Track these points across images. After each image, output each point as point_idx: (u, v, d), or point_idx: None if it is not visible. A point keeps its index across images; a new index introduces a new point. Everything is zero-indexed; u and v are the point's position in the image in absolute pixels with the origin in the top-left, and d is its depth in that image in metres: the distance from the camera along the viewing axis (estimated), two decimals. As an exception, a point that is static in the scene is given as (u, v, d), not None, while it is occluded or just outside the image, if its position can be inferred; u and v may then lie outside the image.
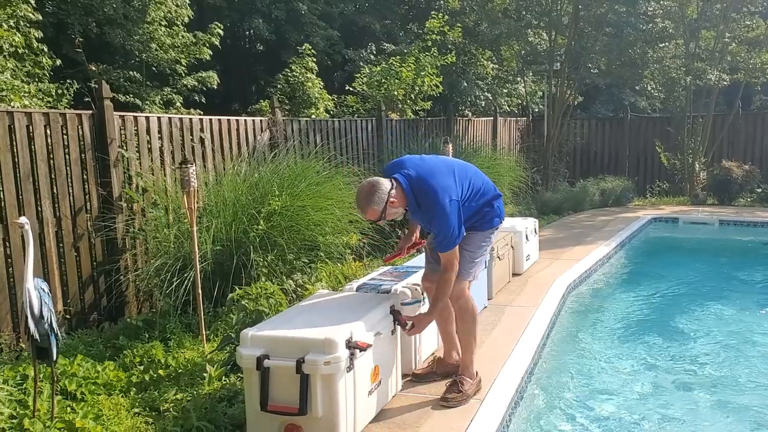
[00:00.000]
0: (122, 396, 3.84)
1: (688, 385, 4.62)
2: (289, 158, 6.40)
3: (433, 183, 3.54)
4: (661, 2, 12.71)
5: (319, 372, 3.05)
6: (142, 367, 4.21)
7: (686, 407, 4.27)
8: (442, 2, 14.82)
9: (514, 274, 6.77)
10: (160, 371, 4.10)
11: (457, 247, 3.61)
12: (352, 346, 3.17)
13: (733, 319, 6.10)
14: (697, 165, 13.00)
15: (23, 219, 3.17)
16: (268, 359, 3.14)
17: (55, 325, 3.20)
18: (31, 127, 4.88)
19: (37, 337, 3.13)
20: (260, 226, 5.36)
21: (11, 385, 3.63)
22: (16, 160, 4.77)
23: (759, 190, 12.42)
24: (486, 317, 5.42)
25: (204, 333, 4.67)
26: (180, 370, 4.13)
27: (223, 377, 4.01)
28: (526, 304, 5.77)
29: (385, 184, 3.49)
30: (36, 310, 3.09)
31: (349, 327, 3.23)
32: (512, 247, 6.67)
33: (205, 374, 3.99)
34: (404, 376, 4.06)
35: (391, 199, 3.48)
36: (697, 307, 6.49)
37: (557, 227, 10.20)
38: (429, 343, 4.46)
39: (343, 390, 3.13)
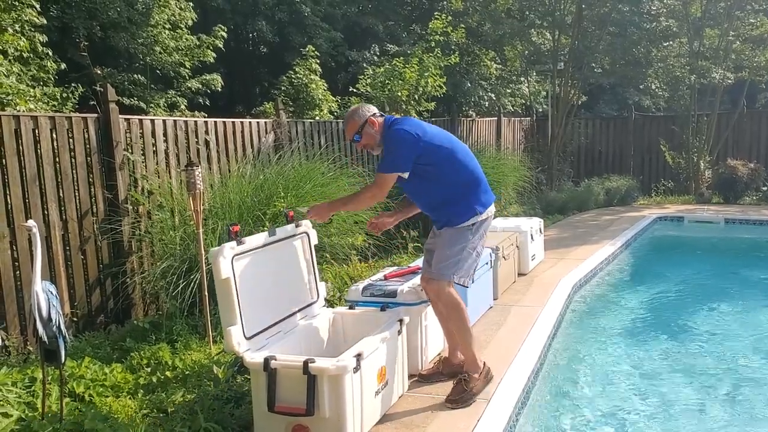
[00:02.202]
0: (130, 398, 3.86)
1: (695, 383, 4.61)
2: (294, 160, 6.42)
3: (408, 125, 3.70)
4: (665, 1, 12.68)
5: (326, 373, 3.06)
6: (149, 369, 4.23)
7: (694, 406, 4.26)
8: (445, 3, 14.82)
9: (520, 274, 6.77)
10: (168, 373, 4.12)
11: (390, 176, 3.67)
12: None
13: (741, 318, 6.08)
14: (702, 164, 12.97)
15: (31, 222, 3.19)
16: (275, 360, 3.15)
17: (63, 327, 3.21)
18: (37, 131, 4.91)
19: (46, 339, 3.14)
20: (266, 228, 5.36)
21: (20, 388, 3.66)
22: (23, 163, 4.79)
23: (765, 189, 12.39)
24: (492, 317, 5.43)
25: (211, 335, 4.69)
26: (187, 372, 4.14)
27: (230, 378, 4.02)
28: (532, 304, 5.77)
29: (371, 107, 3.84)
30: (44, 313, 3.10)
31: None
32: (517, 247, 6.67)
33: (212, 376, 4.00)
34: (410, 376, 4.06)
35: (371, 119, 3.76)
36: (703, 306, 6.48)
37: (562, 227, 10.19)
38: (435, 343, 4.47)
39: (350, 391, 3.14)
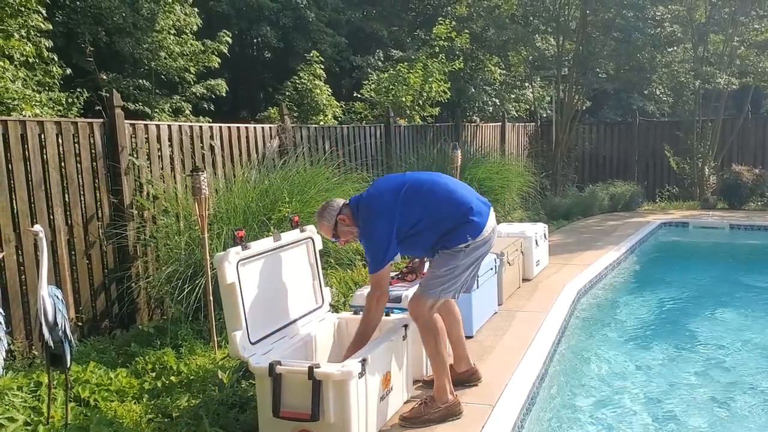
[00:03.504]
0: (135, 403, 3.86)
1: (701, 391, 4.59)
2: (299, 165, 6.43)
3: (373, 205, 3.60)
4: (669, 6, 12.68)
5: (331, 378, 3.06)
6: (154, 374, 4.23)
7: (699, 414, 4.24)
8: (449, 9, 14.85)
9: (524, 280, 6.76)
10: (172, 378, 4.12)
11: (383, 272, 3.55)
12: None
13: (746, 325, 6.06)
14: (706, 169, 12.94)
15: (38, 227, 3.20)
16: (280, 365, 3.15)
17: (69, 332, 3.22)
18: (43, 136, 4.92)
19: (51, 344, 3.15)
20: (271, 233, 5.37)
21: (25, 392, 3.66)
22: (29, 168, 4.81)
23: (770, 194, 12.36)
24: (496, 323, 5.42)
25: (215, 339, 4.69)
26: (192, 377, 4.14)
27: (235, 383, 4.02)
28: (537, 310, 5.76)
29: (337, 202, 3.72)
30: (50, 318, 3.11)
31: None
32: (522, 252, 6.66)
33: (216, 380, 4.00)
34: (414, 382, 4.05)
35: (341, 216, 3.65)
36: (708, 313, 6.46)
37: (566, 232, 10.18)
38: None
39: (355, 396, 3.14)
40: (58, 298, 3.18)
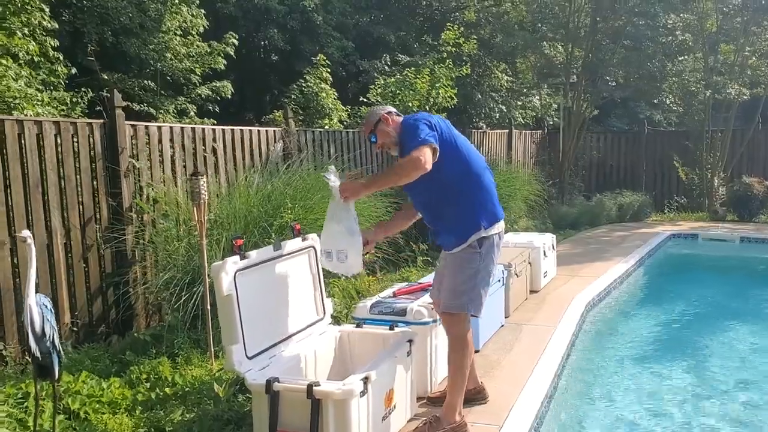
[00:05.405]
0: (127, 415, 3.71)
1: (711, 406, 4.44)
2: (303, 169, 6.29)
3: (422, 118, 3.44)
4: (681, 15, 12.53)
5: (331, 397, 2.91)
6: (148, 385, 4.09)
7: (711, 429, 4.09)
8: (457, 14, 14.72)
9: (532, 291, 6.60)
10: (167, 389, 3.98)
11: (422, 149, 3.22)
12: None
13: (759, 340, 5.90)
14: (715, 180, 12.77)
15: (26, 232, 3.05)
16: (278, 382, 3.00)
17: (57, 342, 3.07)
18: (41, 136, 4.80)
19: (39, 355, 3.00)
20: (272, 240, 5.22)
21: (11, 405, 3.52)
22: (26, 169, 4.69)
23: (781, 207, 12.18)
24: (504, 336, 5.26)
25: (212, 349, 4.54)
26: (187, 389, 4.00)
27: (231, 397, 3.87)
28: (545, 323, 5.60)
29: (388, 107, 3.63)
30: (38, 328, 2.96)
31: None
32: (530, 263, 6.51)
33: (212, 394, 3.86)
34: (419, 398, 3.90)
35: (385, 116, 3.52)
36: (719, 327, 6.29)
37: (574, 242, 10.01)
38: (445, 364, 4.28)
39: (357, 416, 2.99)
40: (46, 306, 3.03)
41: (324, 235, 3.50)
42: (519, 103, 14.91)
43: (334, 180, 3.42)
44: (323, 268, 3.81)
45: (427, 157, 3.23)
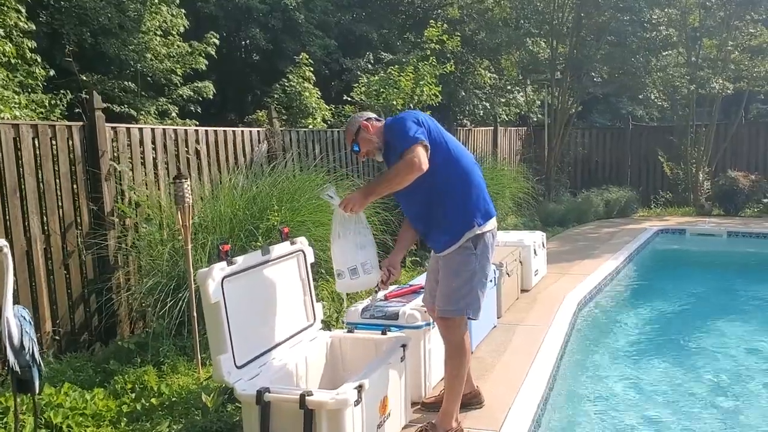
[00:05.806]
0: (112, 428, 3.59)
1: (707, 404, 4.40)
2: (288, 170, 6.16)
3: (409, 115, 3.36)
4: (665, 10, 12.54)
5: (324, 407, 2.81)
6: (133, 395, 3.96)
7: (706, 428, 4.05)
8: (440, 11, 14.64)
9: (523, 291, 6.53)
10: (153, 400, 3.84)
11: (415, 148, 3.13)
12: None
13: (749, 334, 5.88)
14: (700, 175, 12.80)
15: (1, 241, 2.91)
16: (269, 392, 2.89)
17: (37, 355, 2.94)
18: (18, 140, 4.64)
19: (17, 369, 2.87)
20: (259, 244, 5.10)
21: (-10, 420, 3.38)
22: (2, 174, 4.53)
23: (766, 200, 12.22)
24: (496, 337, 5.19)
25: (199, 357, 4.42)
26: (174, 399, 3.87)
27: (220, 407, 3.75)
28: (538, 323, 5.53)
29: (367, 113, 3.54)
30: (16, 341, 2.83)
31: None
32: (521, 262, 6.44)
33: (200, 404, 3.73)
34: (413, 404, 3.80)
35: (364, 123, 3.43)
36: (711, 322, 6.26)
37: (562, 240, 9.97)
38: (439, 368, 4.19)
39: (351, 425, 2.88)
40: (25, 318, 2.90)
41: (338, 255, 3.37)
42: (503, 100, 14.87)
43: (336, 199, 3.32)
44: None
45: (421, 157, 3.14)
